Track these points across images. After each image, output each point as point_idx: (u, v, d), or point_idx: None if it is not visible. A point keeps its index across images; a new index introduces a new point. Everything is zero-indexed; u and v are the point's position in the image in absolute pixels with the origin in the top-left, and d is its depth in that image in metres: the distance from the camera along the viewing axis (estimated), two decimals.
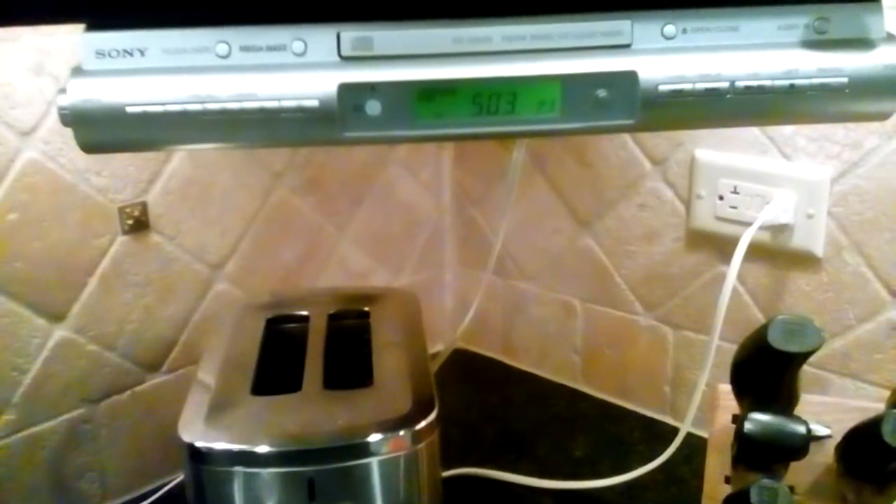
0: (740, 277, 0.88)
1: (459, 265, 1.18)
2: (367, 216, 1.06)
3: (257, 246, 0.96)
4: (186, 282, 0.90)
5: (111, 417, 0.86)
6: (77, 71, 0.48)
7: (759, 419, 0.61)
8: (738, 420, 0.63)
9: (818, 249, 0.84)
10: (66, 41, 0.76)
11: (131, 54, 0.48)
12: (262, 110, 0.48)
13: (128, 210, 0.83)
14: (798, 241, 0.85)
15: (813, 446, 0.62)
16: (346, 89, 0.48)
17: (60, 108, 0.48)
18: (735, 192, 0.88)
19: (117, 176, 0.82)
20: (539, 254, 1.08)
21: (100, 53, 0.48)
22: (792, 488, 0.58)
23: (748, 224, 0.83)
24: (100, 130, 0.48)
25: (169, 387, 0.90)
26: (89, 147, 0.49)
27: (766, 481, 0.57)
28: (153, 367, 0.89)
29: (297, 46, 0.48)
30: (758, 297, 0.90)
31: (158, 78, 0.48)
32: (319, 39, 0.48)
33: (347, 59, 0.48)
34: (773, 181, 0.85)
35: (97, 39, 0.48)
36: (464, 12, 0.48)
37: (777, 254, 0.87)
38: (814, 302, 0.86)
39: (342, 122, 0.48)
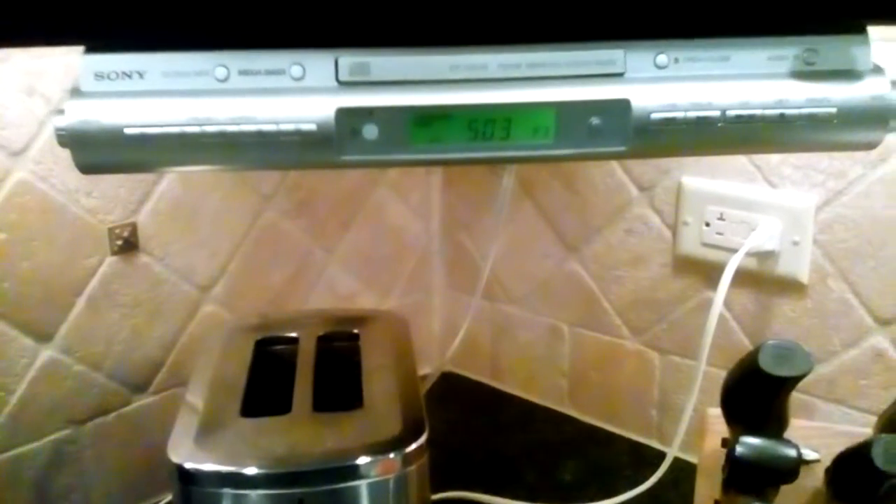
0: (726, 303, 0.89)
1: (447, 289, 1.19)
2: (356, 239, 1.07)
3: (246, 268, 0.96)
4: (175, 303, 0.90)
5: (97, 438, 0.86)
6: (75, 92, 0.48)
7: (751, 442, 0.61)
8: (728, 443, 0.63)
9: (803, 276, 0.85)
10: (58, 63, 0.76)
11: (130, 77, 0.48)
12: (260, 133, 0.48)
13: (117, 231, 0.83)
14: (784, 267, 0.86)
15: (802, 470, 0.63)
16: (343, 114, 0.48)
17: (58, 129, 0.48)
18: (721, 218, 0.89)
19: (107, 197, 0.82)
20: (527, 278, 1.09)
21: (99, 75, 0.48)
22: None
23: (734, 251, 0.84)
24: (97, 152, 0.48)
25: (155, 408, 0.90)
26: (86, 168, 0.49)
27: None
28: (140, 388, 0.89)
29: (296, 71, 0.49)
30: (744, 322, 0.91)
31: (157, 100, 0.48)
32: (318, 64, 0.49)
33: (345, 84, 0.49)
34: (758, 208, 0.86)
35: (96, 61, 0.48)
36: (460, 40, 0.49)
37: (763, 280, 0.88)
38: (799, 328, 0.87)
39: (339, 146, 0.49)
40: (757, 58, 0.50)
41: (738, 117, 0.49)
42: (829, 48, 0.50)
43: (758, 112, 0.49)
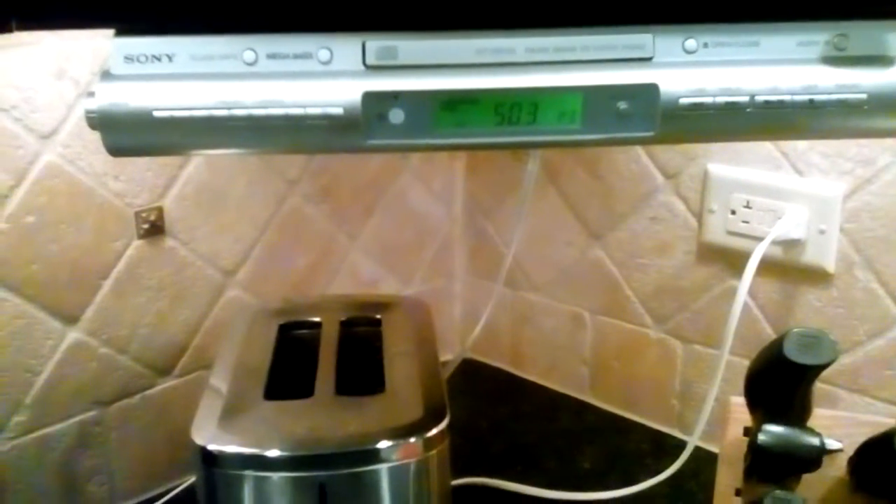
0: (751, 292, 0.89)
1: (469, 275, 1.19)
2: (379, 225, 1.07)
3: (270, 253, 0.96)
4: (199, 287, 0.91)
5: (122, 420, 0.87)
6: (105, 75, 0.49)
7: (774, 431, 0.61)
8: (751, 432, 0.63)
9: (829, 265, 0.85)
10: (87, 46, 0.76)
11: (160, 60, 0.48)
12: (288, 117, 0.48)
13: (144, 214, 0.84)
14: (809, 256, 0.85)
15: (825, 460, 0.63)
16: (370, 97, 0.49)
17: (88, 112, 0.48)
18: (747, 206, 0.88)
19: (134, 180, 0.83)
20: (549, 265, 1.08)
21: (128, 58, 0.48)
22: (804, 501, 0.58)
23: (760, 239, 0.84)
24: (127, 134, 0.49)
25: (179, 391, 0.91)
26: (116, 151, 0.50)
27: (779, 493, 0.57)
28: (164, 371, 0.90)
29: (323, 55, 0.49)
30: (768, 311, 0.90)
31: (186, 83, 0.48)
32: (345, 48, 0.49)
33: (372, 68, 0.49)
34: (785, 196, 0.86)
35: (126, 45, 0.48)
36: (487, 24, 0.49)
37: (788, 269, 0.87)
38: (824, 317, 0.86)
39: (366, 130, 0.49)
40: (787, 43, 0.50)
41: (767, 103, 0.49)
42: (860, 33, 0.50)
43: (787, 98, 0.49)
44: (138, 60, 0.48)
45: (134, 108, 0.48)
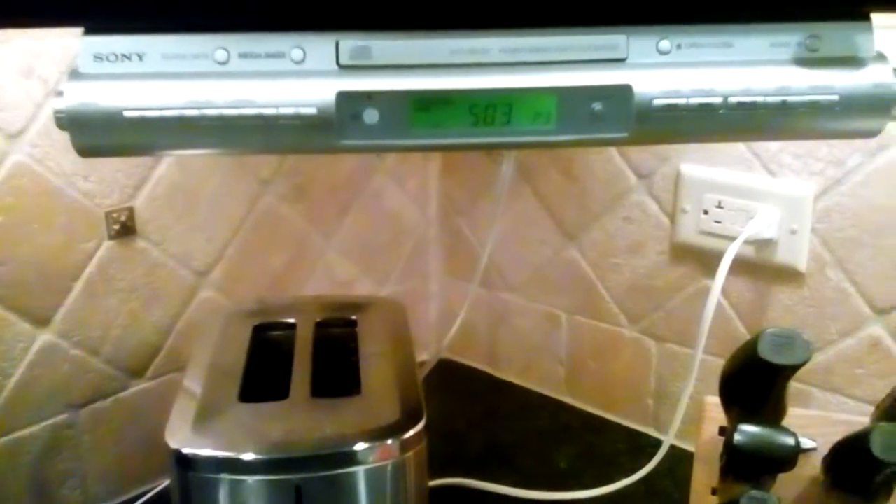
0: (724, 291, 0.89)
1: (445, 275, 1.19)
2: (354, 225, 1.06)
3: (244, 253, 0.95)
4: (172, 288, 0.90)
5: (94, 423, 0.86)
6: (74, 74, 0.48)
7: (749, 430, 0.61)
8: (726, 432, 0.63)
9: (801, 265, 0.85)
10: (56, 44, 0.75)
11: (129, 59, 0.48)
12: (260, 117, 0.48)
13: (114, 215, 0.83)
14: (781, 256, 0.86)
15: (799, 459, 0.63)
16: (344, 97, 0.48)
17: (56, 112, 0.47)
18: (720, 206, 0.89)
19: (105, 181, 0.82)
20: (525, 265, 1.09)
21: (98, 57, 0.47)
22: (779, 500, 0.59)
23: (732, 238, 0.84)
24: (96, 134, 0.48)
25: (152, 393, 0.90)
26: (85, 151, 0.49)
27: (755, 493, 0.58)
28: (137, 373, 0.89)
29: (296, 54, 0.48)
30: (741, 310, 0.91)
31: (156, 83, 0.48)
32: (318, 47, 0.49)
33: (346, 68, 0.49)
34: (757, 196, 0.86)
35: (95, 43, 0.48)
36: (462, 24, 0.49)
37: (760, 268, 0.88)
38: (796, 316, 0.87)
39: (339, 130, 0.49)
40: (760, 44, 0.50)
41: (741, 104, 0.49)
42: (832, 35, 0.50)
43: (760, 99, 0.49)
44: (108, 59, 0.47)
45: (103, 108, 0.47)
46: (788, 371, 0.60)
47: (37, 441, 0.82)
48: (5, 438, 0.80)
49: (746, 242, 0.84)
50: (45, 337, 0.81)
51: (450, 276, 1.18)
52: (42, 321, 0.80)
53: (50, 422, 0.82)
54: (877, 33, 0.50)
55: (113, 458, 0.88)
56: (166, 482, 0.84)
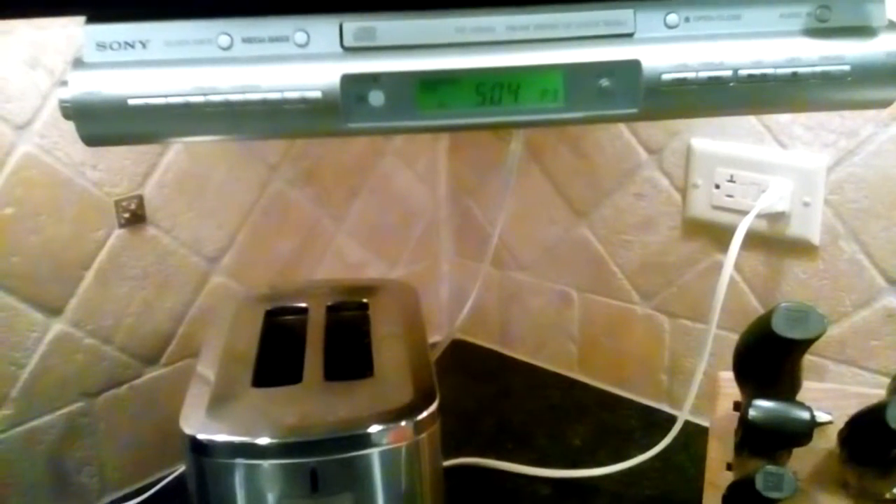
0: (737, 266, 0.89)
1: (455, 256, 1.18)
2: (364, 208, 1.06)
3: (254, 238, 0.95)
4: (183, 275, 0.90)
5: (109, 411, 0.86)
6: (78, 63, 0.48)
7: (763, 405, 0.61)
8: (741, 407, 0.63)
9: (814, 237, 0.85)
10: (60, 34, 0.75)
11: (133, 47, 0.47)
12: (265, 102, 0.48)
13: (124, 203, 0.83)
14: (794, 229, 0.85)
15: (815, 432, 0.63)
16: (349, 80, 0.48)
17: (62, 101, 0.47)
18: (731, 180, 0.88)
19: (113, 169, 0.82)
20: (535, 244, 1.08)
21: (101, 46, 0.47)
22: (794, 474, 0.59)
23: (744, 213, 0.83)
24: (101, 123, 0.48)
25: (167, 380, 0.90)
26: (91, 140, 0.49)
27: (770, 467, 0.57)
28: (151, 360, 0.89)
29: (300, 37, 0.48)
30: (754, 285, 0.90)
31: (160, 70, 0.47)
32: (322, 30, 0.48)
33: (350, 50, 0.48)
34: (769, 169, 0.85)
35: (98, 32, 0.47)
36: (467, 2, 0.48)
37: (773, 242, 0.87)
38: (810, 290, 0.86)
39: (345, 113, 0.48)
40: (769, 15, 0.49)
41: (751, 77, 0.49)
42: (843, 4, 0.49)
43: (770, 71, 0.49)
44: (111, 48, 0.47)
45: (108, 97, 0.47)
46: (803, 345, 0.59)
47: (53, 430, 0.82)
48: (22, 428, 0.80)
49: (759, 216, 0.84)
50: (58, 326, 0.81)
51: (460, 256, 1.18)
52: (54, 311, 0.81)
53: (65, 410, 0.83)
54: (889, 2, 0.50)
55: (129, 445, 0.88)
56: (182, 468, 0.85)
